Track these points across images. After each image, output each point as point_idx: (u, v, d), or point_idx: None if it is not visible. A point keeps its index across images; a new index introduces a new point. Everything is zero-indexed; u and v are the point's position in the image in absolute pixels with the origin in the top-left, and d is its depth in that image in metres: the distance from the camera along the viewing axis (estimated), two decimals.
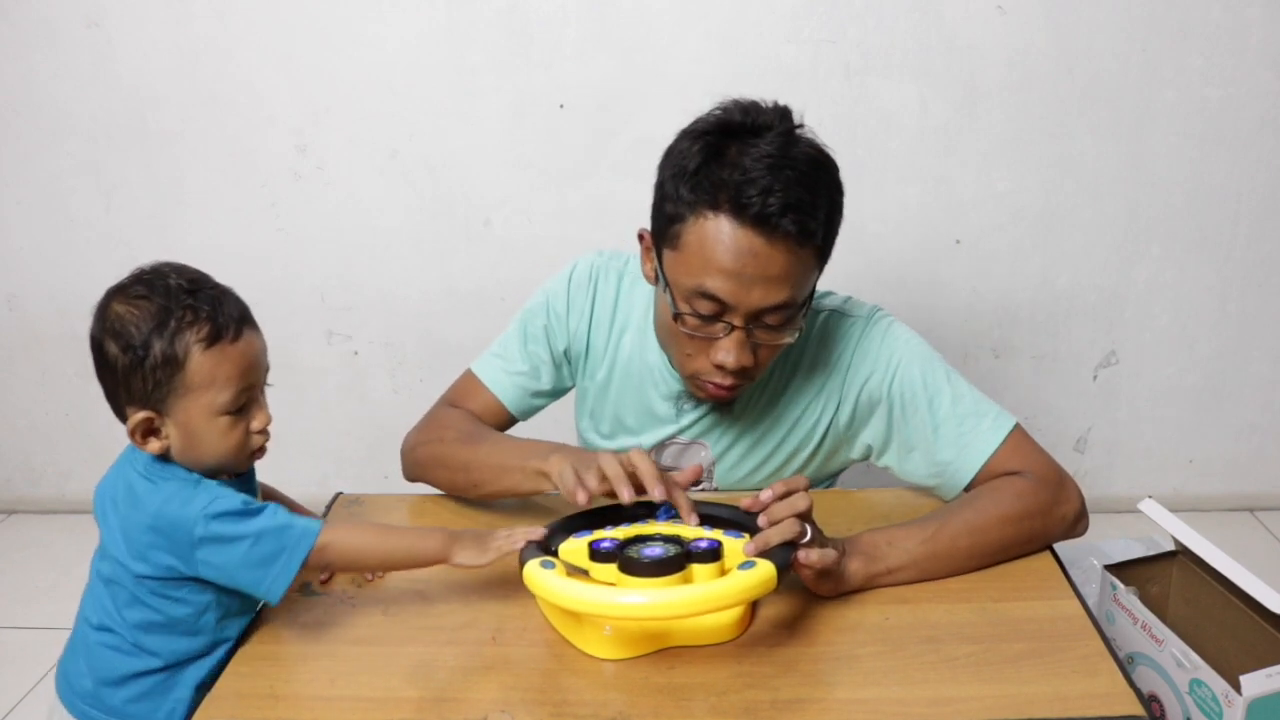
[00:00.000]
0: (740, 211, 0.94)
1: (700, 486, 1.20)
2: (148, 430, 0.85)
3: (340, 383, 2.15)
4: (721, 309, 0.98)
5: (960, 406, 1.08)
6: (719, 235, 0.96)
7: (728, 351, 1.00)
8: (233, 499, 0.85)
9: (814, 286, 1.04)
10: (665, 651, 0.87)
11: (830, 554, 0.88)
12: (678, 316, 1.01)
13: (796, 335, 1.02)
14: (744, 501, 0.91)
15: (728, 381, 1.03)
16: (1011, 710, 0.79)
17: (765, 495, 0.90)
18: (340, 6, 1.86)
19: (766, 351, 1.03)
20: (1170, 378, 2.07)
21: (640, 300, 1.18)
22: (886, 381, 1.10)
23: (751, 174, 0.94)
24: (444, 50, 1.88)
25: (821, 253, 1.01)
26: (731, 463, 1.18)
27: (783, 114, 1.01)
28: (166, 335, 0.84)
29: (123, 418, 0.86)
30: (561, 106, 1.89)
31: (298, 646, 0.90)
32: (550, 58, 1.87)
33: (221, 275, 2.17)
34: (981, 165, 1.90)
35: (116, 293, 0.90)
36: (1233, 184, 1.92)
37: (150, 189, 2.02)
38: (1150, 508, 1.06)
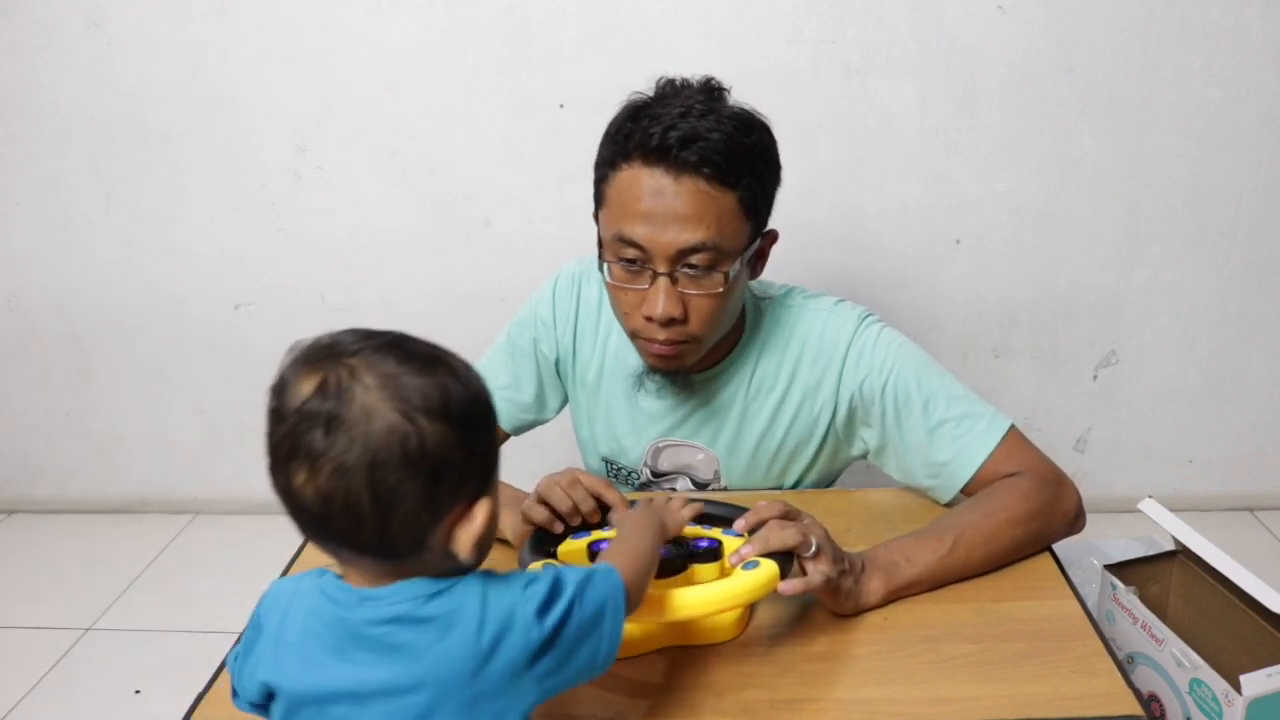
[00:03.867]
0: (646, 151, 0.97)
1: (710, 488, 1.20)
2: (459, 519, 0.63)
3: None
4: (642, 255, 0.99)
5: (955, 408, 1.08)
6: (632, 181, 0.98)
7: (654, 301, 1.01)
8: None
9: (748, 242, 1.03)
10: (664, 651, 0.87)
11: (814, 579, 0.86)
12: (603, 267, 1.03)
13: (725, 284, 1.01)
14: (738, 524, 0.91)
15: (662, 335, 1.03)
16: (1010, 710, 0.79)
17: (740, 524, 0.90)
18: (340, 7, 1.86)
19: (700, 303, 1.02)
20: (1170, 378, 2.07)
21: None
22: (880, 384, 1.10)
23: (660, 119, 0.97)
24: (444, 50, 1.88)
25: (749, 204, 1.01)
26: (738, 467, 1.18)
27: (707, 80, 1.03)
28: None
29: (413, 541, 0.61)
30: (561, 106, 1.89)
31: None
32: (550, 58, 1.87)
33: (222, 275, 2.17)
34: (981, 165, 1.90)
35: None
36: (1233, 184, 1.91)
37: (150, 189, 2.02)
38: (1150, 507, 1.06)
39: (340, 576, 0.66)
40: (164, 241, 2.06)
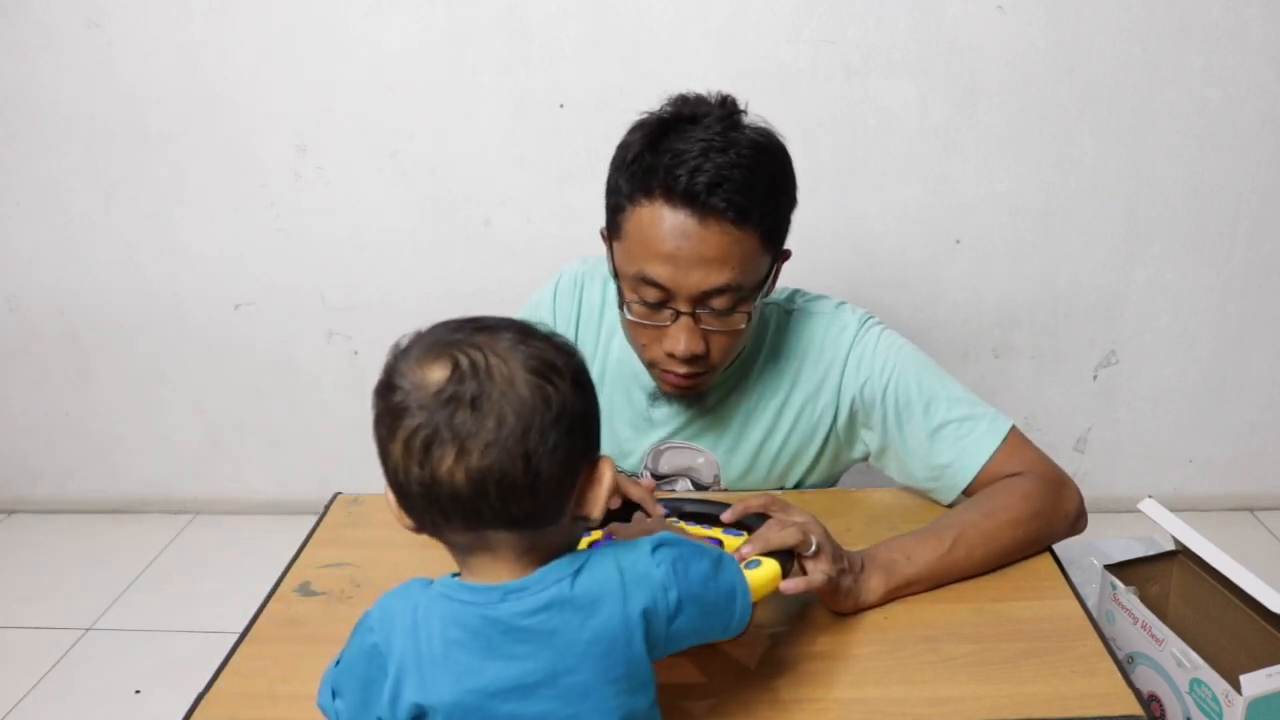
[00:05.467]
0: (670, 193, 0.95)
1: (710, 490, 1.20)
2: None
3: (340, 383, 2.15)
4: (665, 295, 0.99)
5: (956, 410, 1.08)
6: (654, 220, 0.97)
7: (675, 339, 1.00)
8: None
9: (768, 273, 1.03)
10: None
11: (816, 578, 0.86)
12: (624, 304, 1.02)
13: (747, 322, 1.02)
14: (724, 515, 0.91)
15: (682, 370, 1.03)
16: (1010, 710, 0.79)
17: (727, 516, 0.90)
18: (340, 7, 1.86)
19: (720, 339, 1.03)
20: (1170, 377, 2.07)
21: None
22: (881, 387, 1.10)
23: (683, 156, 0.95)
24: (444, 50, 1.88)
25: (768, 237, 1.00)
26: (739, 470, 1.18)
27: (724, 101, 1.01)
28: None
29: (557, 505, 0.64)
30: (561, 106, 1.89)
31: (298, 646, 0.90)
32: (550, 58, 1.87)
33: (222, 275, 2.18)
34: (981, 165, 1.90)
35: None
36: (1233, 184, 1.91)
37: (150, 189, 2.02)
38: (1150, 507, 1.06)
39: (456, 575, 0.66)
40: (164, 241, 2.06)
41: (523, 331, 0.64)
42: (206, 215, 2.03)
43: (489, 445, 0.59)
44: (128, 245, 2.06)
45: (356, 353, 2.12)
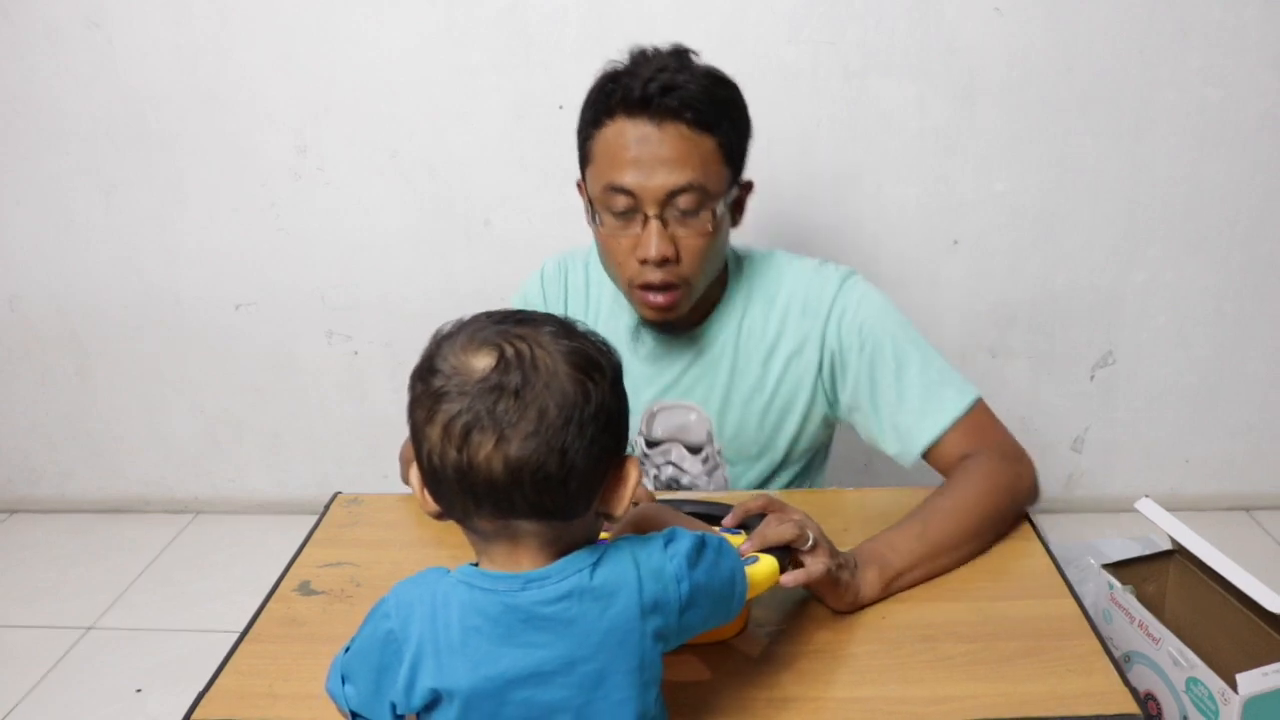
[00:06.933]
0: (628, 104, 1.03)
1: (703, 453, 1.21)
2: None
3: (340, 383, 2.15)
4: (632, 202, 1.04)
5: (927, 374, 1.11)
6: (617, 134, 1.04)
7: (646, 244, 1.05)
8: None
9: (730, 186, 1.08)
10: None
11: (815, 569, 0.86)
12: (595, 217, 1.08)
13: (713, 223, 1.06)
14: (726, 520, 0.92)
15: (657, 278, 1.06)
16: (1007, 709, 0.80)
17: (728, 520, 0.91)
18: (340, 7, 1.86)
19: (690, 243, 1.06)
20: (1167, 378, 2.08)
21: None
22: (857, 342, 1.13)
23: (638, 74, 1.03)
24: (444, 50, 1.88)
25: (726, 149, 1.06)
26: (731, 426, 1.19)
27: (676, 46, 1.09)
28: None
29: (586, 500, 0.65)
30: (561, 108, 1.89)
31: (297, 646, 0.91)
32: (550, 58, 1.87)
33: (222, 275, 2.18)
34: (981, 165, 1.90)
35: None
36: (1232, 184, 1.92)
37: (150, 189, 2.02)
38: (1147, 507, 1.06)
39: (475, 564, 0.67)
40: (164, 241, 2.06)
41: (564, 326, 0.66)
42: (206, 215, 2.03)
43: (529, 435, 0.61)
44: (128, 245, 2.07)
45: (356, 353, 2.13)
